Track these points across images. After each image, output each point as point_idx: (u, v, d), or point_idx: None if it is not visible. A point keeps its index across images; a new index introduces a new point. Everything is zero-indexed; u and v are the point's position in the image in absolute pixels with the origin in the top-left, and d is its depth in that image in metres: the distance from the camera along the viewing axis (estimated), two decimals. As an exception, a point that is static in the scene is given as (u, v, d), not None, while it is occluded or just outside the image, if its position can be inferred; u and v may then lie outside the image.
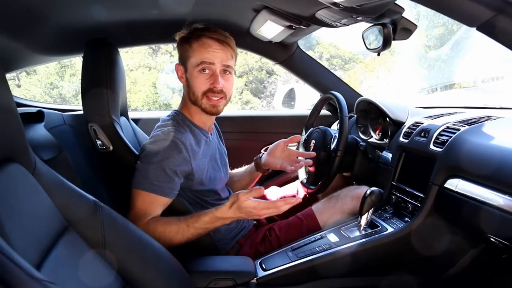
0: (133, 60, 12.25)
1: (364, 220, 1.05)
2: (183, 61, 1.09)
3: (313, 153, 1.28)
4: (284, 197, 1.44)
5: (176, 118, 1.10)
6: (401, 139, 1.20)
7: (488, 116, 1.06)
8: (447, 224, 0.97)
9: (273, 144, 1.31)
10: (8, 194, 0.59)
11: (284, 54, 1.70)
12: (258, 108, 11.83)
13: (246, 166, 1.40)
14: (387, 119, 1.34)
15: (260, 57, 1.78)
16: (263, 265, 1.04)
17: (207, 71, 1.05)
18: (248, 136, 1.86)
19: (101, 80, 1.12)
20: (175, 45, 1.15)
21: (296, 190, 1.48)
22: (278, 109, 2.14)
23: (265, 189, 1.53)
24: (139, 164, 1.03)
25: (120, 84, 1.20)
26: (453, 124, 1.04)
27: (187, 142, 1.03)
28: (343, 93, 1.34)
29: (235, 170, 1.43)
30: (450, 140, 0.97)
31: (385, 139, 1.36)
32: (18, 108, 0.65)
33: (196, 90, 1.07)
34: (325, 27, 1.24)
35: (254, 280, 0.99)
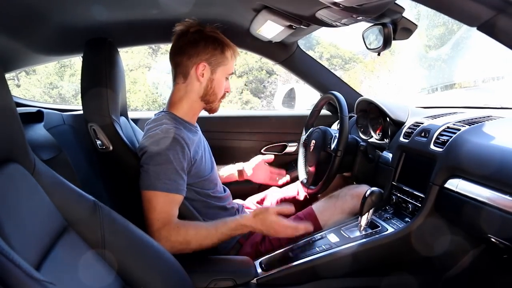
0: (133, 60, 12.24)
1: (364, 220, 1.05)
2: (212, 63, 1.11)
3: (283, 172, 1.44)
4: (285, 198, 1.45)
5: (168, 117, 1.10)
6: (401, 139, 1.20)
7: (488, 116, 1.06)
8: (447, 224, 0.97)
9: (254, 162, 1.42)
10: (8, 194, 0.58)
11: (284, 54, 1.70)
12: (258, 108, 11.82)
13: (226, 170, 1.45)
14: (388, 119, 1.33)
15: (260, 57, 1.78)
16: (263, 265, 1.04)
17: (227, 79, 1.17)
18: (248, 136, 1.86)
19: (101, 80, 1.11)
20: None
21: (296, 191, 1.48)
22: (278, 109, 2.14)
23: (265, 190, 1.54)
24: (146, 167, 1.02)
25: (120, 84, 1.20)
26: (454, 124, 1.03)
27: (186, 137, 1.06)
28: (343, 93, 1.33)
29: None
30: (450, 140, 0.97)
31: (385, 139, 1.36)
32: (18, 108, 0.65)
33: (218, 94, 1.16)
34: (325, 27, 1.23)
35: (254, 281, 0.99)
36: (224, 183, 1.35)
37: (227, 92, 1.19)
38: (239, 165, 1.45)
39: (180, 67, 1.13)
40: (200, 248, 0.99)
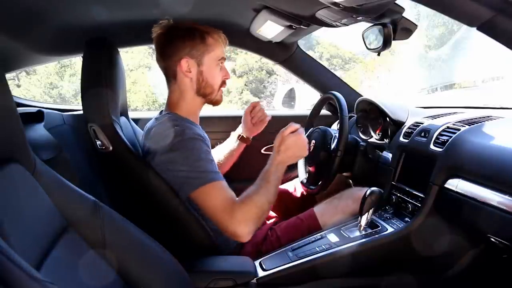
0: (133, 60, 12.24)
1: (364, 220, 1.05)
2: (194, 55, 1.08)
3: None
4: (287, 191, 1.46)
5: (173, 117, 1.09)
6: (401, 139, 1.20)
7: (488, 116, 1.06)
8: (447, 224, 0.97)
9: (243, 121, 1.40)
10: (8, 194, 0.58)
11: (284, 54, 1.70)
12: (258, 108, 11.81)
13: (226, 145, 1.44)
14: (387, 119, 1.33)
15: (260, 57, 1.78)
16: (263, 265, 1.04)
17: (221, 65, 1.13)
18: (248, 136, 1.86)
19: (101, 80, 1.11)
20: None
21: (293, 187, 1.48)
22: (278, 109, 2.14)
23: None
24: (183, 170, 1.00)
25: (120, 84, 1.20)
26: (453, 124, 1.04)
27: (202, 133, 1.09)
28: (343, 93, 1.33)
29: (217, 149, 1.45)
30: (450, 140, 0.97)
31: (385, 139, 1.36)
32: (18, 108, 0.65)
33: (214, 83, 1.13)
34: (325, 27, 1.24)
35: (254, 280, 0.98)
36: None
37: (226, 78, 1.15)
38: (236, 133, 1.43)
39: (166, 70, 1.13)
40: (269, 210, 1.03)
